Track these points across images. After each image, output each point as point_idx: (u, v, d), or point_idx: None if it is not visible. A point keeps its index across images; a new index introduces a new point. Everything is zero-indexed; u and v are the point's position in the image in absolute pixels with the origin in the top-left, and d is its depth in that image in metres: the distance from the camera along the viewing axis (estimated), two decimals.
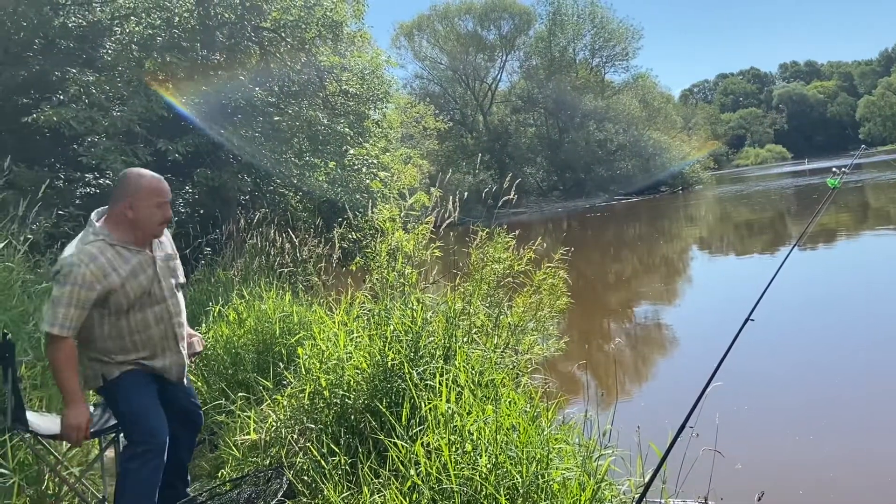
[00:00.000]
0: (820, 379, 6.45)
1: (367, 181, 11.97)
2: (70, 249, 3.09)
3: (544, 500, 2.91)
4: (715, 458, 3.68)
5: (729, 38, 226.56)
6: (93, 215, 3.22)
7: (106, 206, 3.26)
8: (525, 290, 5.29)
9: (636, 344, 9.17)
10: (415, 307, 4.20)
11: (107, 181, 9.57)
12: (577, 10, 52.21)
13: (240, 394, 4.70)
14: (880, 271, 11.64)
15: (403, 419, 3.43)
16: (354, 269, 7.08)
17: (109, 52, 11.11)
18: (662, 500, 3.56)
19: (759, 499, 3.58)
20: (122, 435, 3.44)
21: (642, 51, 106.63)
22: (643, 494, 2.58)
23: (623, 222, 30.61)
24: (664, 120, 52.27)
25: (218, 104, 11.22)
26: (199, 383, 5.04)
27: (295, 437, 3.86)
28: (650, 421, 4.37)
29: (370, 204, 6.93)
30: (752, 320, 3.02)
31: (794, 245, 3.81)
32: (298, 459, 3.64)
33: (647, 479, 3.22)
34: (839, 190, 3.55)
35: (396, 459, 3.16)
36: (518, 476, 2.93)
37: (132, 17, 11.22)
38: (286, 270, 7.43)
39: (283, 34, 12.10)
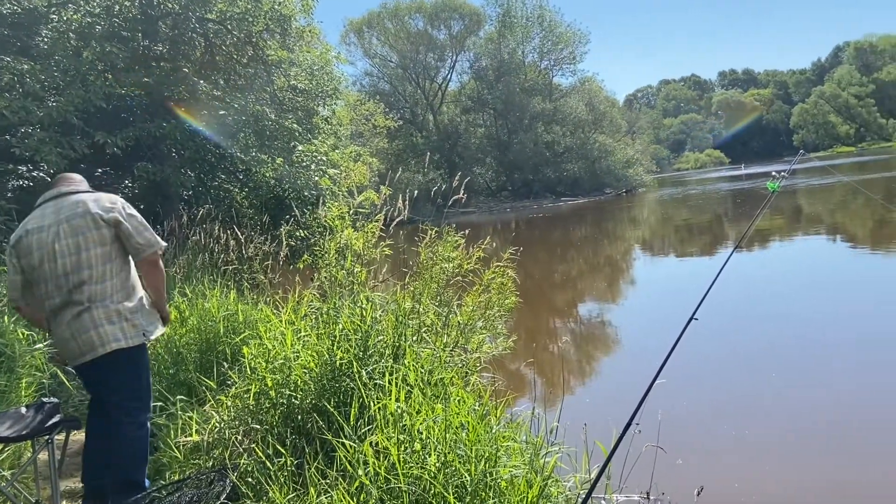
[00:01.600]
0: (758, 376, 6.67)
1: (316, 178, 11.80)
2: (97, 195, 3.49)
3: (492, 498, 2.92)
4: (657, 454, 3.77)
5: (671, 46, 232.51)
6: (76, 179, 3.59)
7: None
8: (474, 289, 5.31)
9: (582, 342, 9.32)
10: (364, 306, 4.16)
11: (41, 174, 9.16)
12: (526, 13, 52.84)
13: (181, 395, 4.58)
14: (815, 273, 12.13)
15: (352, 419, 3.39)
16: (302, 267, 6.98)
17: (46, 40, 10.65)
18: (607, 496, 3.62)
19: (699, 493, 3.68)
20: (55, 436, 3.32)
21: (589, 55, 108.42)
22: (590, 492, 2.62)
23: (569, 223, 31.09)
24: (609, 123, 53.26)
25: (160, 97, 10.90)
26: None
27: (239, 438, 3.78)
28: (596, 418, 4.44)
29: (319, 201, 6.83)
30: (696, 319, 3.10)
31: (736, 247, 3.93)
32: (243, 461, 3.56)
33: (592, 476, 3.28)
34: (778, 193, 3.67)
35: (344, 460, 3.13)
36: (467, 474, 2.93)
37: (70, 5, 10.78)
38: (231, 268, 7.28)
39: (229, 27, 11.82)
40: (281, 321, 4.44)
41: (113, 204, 3.46)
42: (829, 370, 6.54)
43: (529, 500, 2.97)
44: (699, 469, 4.51)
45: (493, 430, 3.32)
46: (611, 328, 10.06)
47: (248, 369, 4.10)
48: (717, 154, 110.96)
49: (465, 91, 56.42)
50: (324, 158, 12.54)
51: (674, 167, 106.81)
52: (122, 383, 3.45)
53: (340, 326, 4.01)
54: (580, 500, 3.34)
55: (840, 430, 5.10)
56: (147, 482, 3.59)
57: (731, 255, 3.68)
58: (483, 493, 2.93)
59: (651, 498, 3.65)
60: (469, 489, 2.90)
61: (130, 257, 3.53)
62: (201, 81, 11.37)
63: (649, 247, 19.98)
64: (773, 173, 3.87)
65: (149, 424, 3.58)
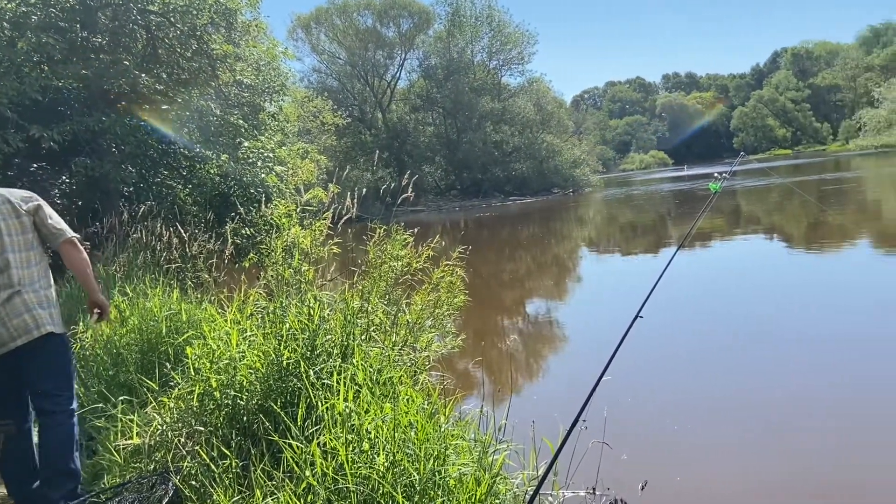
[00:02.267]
0: (701, 373, 6.87)
1: (263, 175, 11.59)
2: (12, 189, 3.55)
3: (441, 497, 2.92)
4: (603, 450, 3.84)
5: (617, 48, 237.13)
6: None
7: None
8: (423, 287, 5.30)
9: (530, 341, 9.42)
10: (312, 305, 4.11)
11: None
12: (475, 13, 53.13)
13: (121, 396, 4.44)
14: (755, 272, 12.56)
15: (299, 419, 3.35)
16: (248, 265, 6.86)
17: None
18: (554, 492, 3.67)
19: (643, 487, 3.77)
20: None
21: (537, 56, 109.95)
22: (537, 489, 2.64)
23: (518, 222, 31.39)
24: (557, 124, 54.03)
25: (99, 90, 10.53)
26: (76, 386, 4.71)
27: (182, 440, 3.69)
28: (543, 415, 4.49)
29: (264, 199, 6.72)
30: (641, 317, 3.17)
31: (679, 246, 4.04)
32: (186, 464, 3.48)
33: (540, 473, 3.31)
34: (720, 193, 3.78)
35: (291, 461, 3.09)
36: (415, 473, 2.93)
37: None
38: (174, 267, 7.09)
39: (172, 19, 11.50)
40: (226, 321, 4.36)
41: (30, 195, 3.57)
42: (772, 367, 6.77)
43: (478, 497, 2.99)
44: (643, 464, 4.61)
45: (442, 429, 3.33)
46: (558, 326, 10.21)
47: (191, 370, 4.01)
48: (661, 155, 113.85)
49: (414, 89, 56.39)
50: (270, 155, 12.34)
51: (619, 168, 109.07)
52: (57, 370, 3.48)
53: (287, 326, 3.96)
54: (528, 496, 3.38)
55: (781, 427, 5.28)
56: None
57: (674, 254, 3.78)
58: (432, 492, 2.93)
59: (597, 493, 3.71)
60: (418, 488, 2.90)
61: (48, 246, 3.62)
62: (143, 75, 11.03)
63: (596, 246, 20.34)
64: (716, 174, 3.99)
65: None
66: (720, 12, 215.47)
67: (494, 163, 50.25)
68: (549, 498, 3.63)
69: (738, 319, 8.85)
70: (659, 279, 3.39)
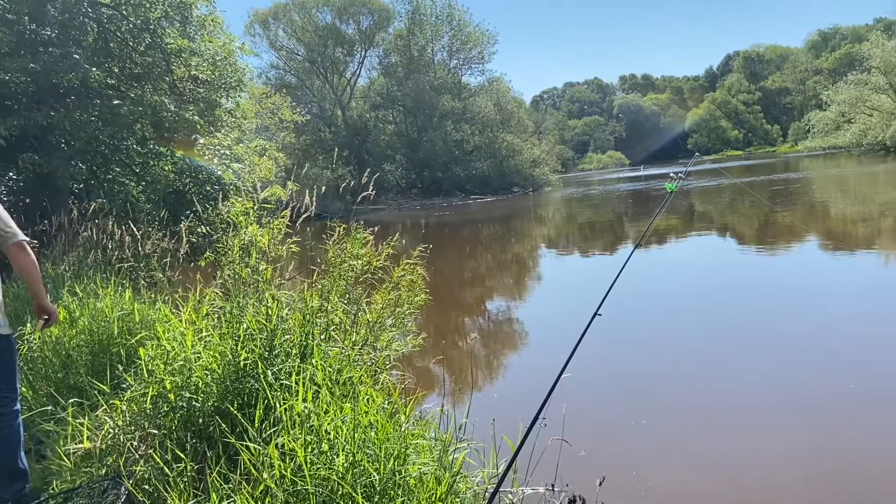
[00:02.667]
0: (658, 369, 6.98)
1: (219, 172, 11.39)
2: None
3: (402, 497, 2.91)
4: (562, 447, 3.88)
5: (576, 49, 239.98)
6: None
7: None
8: (384, 286, 5.27)
9: (491, 339, 9.46)
10: (270, 304, 4.05)
11: None
12: (435, 11, 53.17)
13: (71, 399, 4.31)
14: (710, 270, 12.84)
15: (256, 421, 3.30)
16: (204, 264, 6.72)
17: None
18: (513, 489, 3.68)
19: (601, 483, 3.80)
20: None
21: (497, 55, 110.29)
22: (497, 486, 2.65)
23: (478, 221, 31.50)
24: (517, 123, 54.44)
25: (48, 84, 10.21)
26: (24, 388, 4.56)
27: (135, 444, 3.60)
28: (504, 413, 4.51)
29: (221, 196, 6.59)
30: (600, 315, 3.20)
31: (637, 245, 4.09)
32: (139, 468, 3.40)
33: (500, 471, 3.32)
34: (675, 193, 3.84)
35: (248, 463, 3.03)
36: (375, 474, 2.91)
37: None
38: (126, 266, 6.91)
39: (124, 12, 11.21)
40: (181, 321, 4.26)
41: None
42: (728, 364, 6.92)
43: (438, 496, 2.98)
44: (601, 460, 4.67)
45: (403, 428, 3.31)
46: (518, 324, 10.27)
47: (144, 372, 3.90)
48: (618, 155, 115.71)
49: (374, 87, 56.17)
50: (227, 152, 12.13)
51: (578, 167, 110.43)
52: (3, 371, 3.44)
53: (245, 326, 3.89)
54: (488, 494, 3.39)
55: (737, 422, 5.40)
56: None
57: (632, 252, 3.83)
58: (392, 492, 2.91)
59: (555, 489, 3.74)
60: (378, 488, 2.88)
61: None
62: (94, 69, 10.73)
63: (555, 245, 20.53)
64: (671, 175, 4.06)
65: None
66: (675, 15, 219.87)
67: (455, 161, 50.37)
68: (509, 495, 3.64)
69: (694, 317, 9.03)
70: (617, 277, 3.43)
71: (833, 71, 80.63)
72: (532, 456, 3.60)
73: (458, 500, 3.18)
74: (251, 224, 4.64)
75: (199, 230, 9.34)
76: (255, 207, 4.77)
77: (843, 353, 6.74)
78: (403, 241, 5.70)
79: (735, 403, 5.75)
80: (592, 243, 19.74)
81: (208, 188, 10.93)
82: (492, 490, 2.94)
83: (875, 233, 14.69)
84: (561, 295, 12.28)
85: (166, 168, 11.25)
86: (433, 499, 2.98)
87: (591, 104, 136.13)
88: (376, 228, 5.47)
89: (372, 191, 5.02)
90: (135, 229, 7.00)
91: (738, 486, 4.32)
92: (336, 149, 43.56)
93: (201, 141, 11.82)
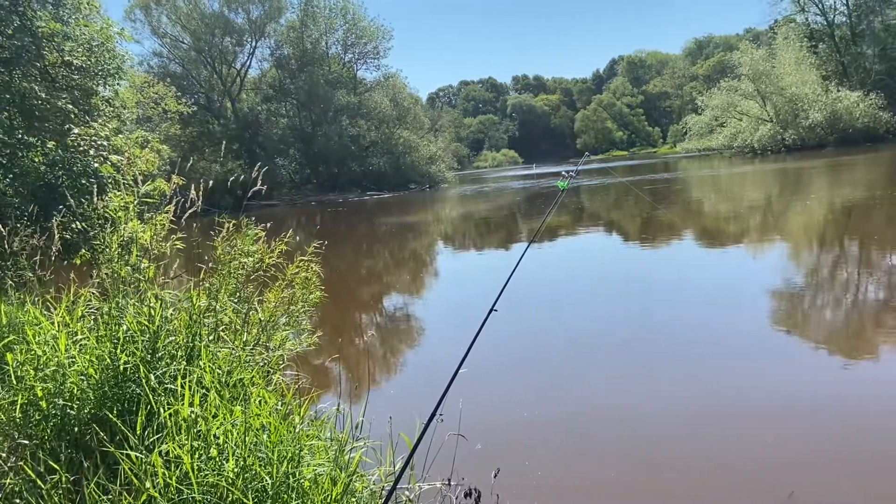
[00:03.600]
0: (551, 363, 7.19)
1: (96, 165, 10.67)
2: None
3: (295, 500, 2.83)
4: (458, 442, 3.91)
5: (470, 48, 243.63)
6: None
7: None
8: (277, 284, 5.12)
9: (388, 336, 9.42)
10: (152, 304, 3.83)
11: None
12: (329, 4, 52.45)
13: None
14: (598, 264, 13.38)
15: (138, 428, 3.11)
16: (80, 262, 6.28)
17: None
18: (410, 486, 3.68)
19: (496, 475, 3.87)
20: None
21: (392, 51, 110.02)
22: (395, 484, 2.63)
23: (375, 217, 31.35)
24: (413, 120, 54.59)
25: None
26: None
27: (4, 455, 3.31)
28: (401, 410, 4.50)
29: (98, 190, 6.16)
30: (496, 311, 3.24)
31: (531, 241, 4.18)
32: (9, 481, 3.14)
33: (397, 468, 3.30)
34: (566, 191, 3.95)
35: (129, 472, 2.85)
36: (268, 477, 2.82)
37: None
38: None
39: None
40: (53, 324, 3.95)
41: None
42: (616, 354, 7.23)
43: (334, 497, 2.93)
44: (497, 452, 4.75)
45: (297, 430, 3.23)
46: (416, 321, 10.29)
47: (12, 378, 3.59)
48: (512, 154, 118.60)
49: (265, 79, 54.66)
50: (105, 143, 11.40)
51: (474, 165, 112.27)
52: None
53: (124, 328, 3.66)
54: (385, 492, 3.36)
55: (627, 410, 5.63)
56: None
57: (526, 249, 3.92)
58: (285, 495, 2.84)
59: (452, 484, 3.77)
60: (270, 493, 2.80)
61: None
62: None
63: (452, 241, 20.75)
64: (563, 173, 4.18)
65: None
66: (565, 18, 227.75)
67: (351, 157, 49.89)
68: (406, 492, 3.63)
69: (586, 310, 9.38)
70: (512, 273, 3.49)
71: (707, 77, 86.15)
72: (429, 452, 3.61)
73: (354, 499, 3.14)
74: (131, 220, 4.37)
75: (74, 226, 8.72)
76: (136, 202, 4.49)
77: (718, 349, 7.21)
78: (298, 238, 5.56)
79: (625, 394, 6.01)
80: (488, 240, 20.11)
81: (84, 181, 10.21)
82: (389, 488, 2.92)
83: (743, 230, 15.84)
84: (458, 291, 12.42)
85: (36, 160, 10.41)
86: (328, 500, 2.92)
87: (486, 103, 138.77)
88: (269, 224, 5.30)
89: (263, 185, 4.85)
90: (0, 226, 6.42)
91: (629, 475, 4.52)
92: (224, 142, 42.01)
93: (76, 131, 11.03)
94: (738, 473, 4.36)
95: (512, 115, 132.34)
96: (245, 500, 2.70)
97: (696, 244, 14.47)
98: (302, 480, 2.94)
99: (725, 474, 4.38)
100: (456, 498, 3.76)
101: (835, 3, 56.52)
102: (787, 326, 7.67)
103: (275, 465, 2.88)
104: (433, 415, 2.76)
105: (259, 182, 4.70)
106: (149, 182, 4.83)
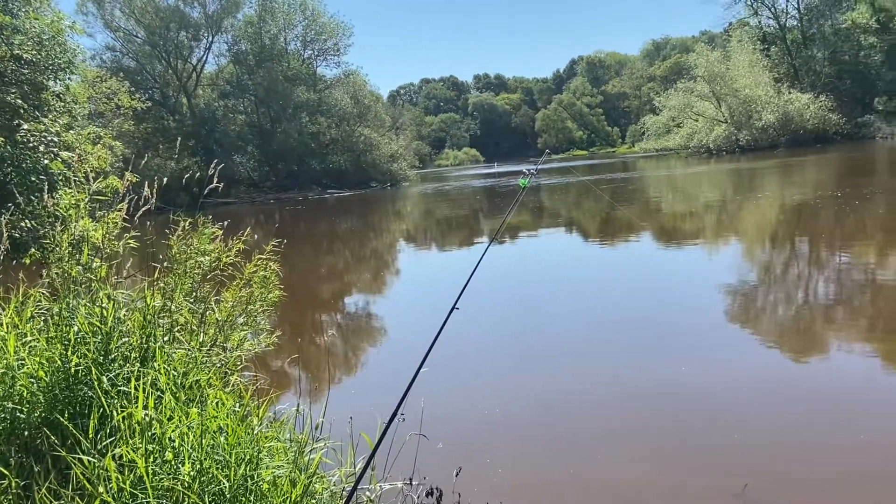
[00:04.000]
0: (514, 360, 7.23)
1: (46, 161, 10.36)
2: None
3: (254, 503, 2.79)
4: (420, 441, 3.91)
5: (432, 46, 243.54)
6: None
7: None
8: (234, 283, 5.04)
9: (349, 335, 9.36)
10: (105, 305, 3.73)
11: None
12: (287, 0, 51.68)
13: None
14: (559, 262, 13.51)
15: (91, 431, 3.03)
16: (29, 262, 6.09)
17: None
18: (371, 486, 3.66)
19: (457, 473, 3.88)
20: None
21: (353, 48, 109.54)
22: (355, 485, 2.61)
23: (336, 215, 31.12)
24: (374, 118, 54.27)
25: None
26: None
27: None
28: (362, 409, 4.48)
29: (48, 187, 5.98)
30: (458, 308, 3.25)
31: (492, 239, 4.21)
32: None
33: (358, 469, 3.28)
34: (528, 189, 3.98)
35: (82, 477, 2.78)
36: (225, 480, 2.78)
37: None
38: None
39: None
40: (1, 325, 3.82)
41: None
42: (577, 351, 7.31)
43: (293, 499, 2.90)
44: (458, 451, 4.75)
45: (255, 432, 3.18)
46: (377, 320, 10.25)
47: None
48: (473, 152, 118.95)
49: (223, 75, 53.73)
50: (55, 139, 11.07)
51: (435, 163, 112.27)
52: None
53: (76, 329, 3.56)
54: (346, 493, 3.34)
55: (588, 411, 5.69)
56: None
57: (488, 247, 3.93)
58: (243, 498, 2.80)
59: (413, 483, 3.76)
60: (228, 496, 2.75)
61: None
62: None
63: (413, 240, 20.72)
64: (525, 171, 4.20)
65: None
66: (526, 17, 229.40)
67: (311, 154, 49.38)
68: (367, 493, 3.62)
69: (547, 308, 9.46)
70: (474, 271, 3.50)
71: (665, 78, 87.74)
72: (390, 451, 3.60)
73: (314, 501, 3.11)
74: (83, 218, 4.24)
75: (23, 224, 8.45)
76: (88, 200, 4.36)
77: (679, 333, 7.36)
78: (256, 236, 5.48)
79: (584, 390, 6.08)
80: (450, 238, 20.14)
81: (33, 178, 9.91)
82: (350, 488, 2.90)
83: (698, 229, 16.18)
84: (420, 290, 12.41)
85: None
86: (287, 502, 2.89)
87: (448, 101, 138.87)
88: (226, 222, 5.20)
89: (220, 183, 4.76)
90: None
91: (587, 470, 4.58)
92: (180, 138, 41.19)
93: (25, 127, 10.69)
94: (693, 465, 4.45)
95: (473, 114, 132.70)
96: None
97: (653, 242, 14.73)
98: (260, 483, 2.91)
99: (681, 467, 4.47)
100: (417, 497, 3.76)
101: (787, 6, 58.26)
102: (738, 320, 7.87)
103: (232, 468, 2.83)
104: (394, 414, 2.75)
105: (216, 179, 4.61)
106: (101, 179, 4.70)
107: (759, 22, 59.22)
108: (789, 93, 49.92)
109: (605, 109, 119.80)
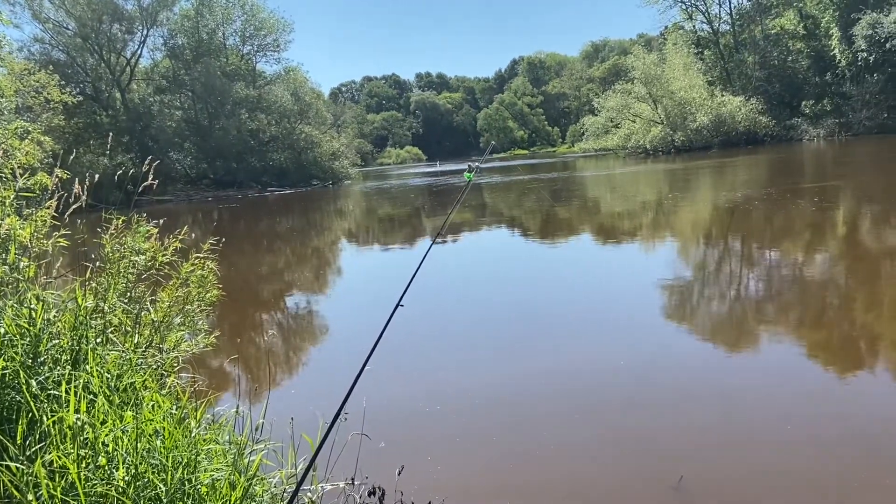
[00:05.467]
0: (456, 358, 7.27)
1: None
2: None
3: None
4: (362, 441, 3.90)
5: (373, 43, 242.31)
6: None
7: None
8: (171, 283, 4.92)
9: (290, 335, 9.24)
10: (33, 306, 3.59)
11: None
12: None
13: None
14: (502, 259, 13.65)
15: (19, 437, 2.91)
16: None
17: None
18: (313, 487, 3.64)
19: (399, 472, 3.89)
20: None
21: (294, 45, 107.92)
22: (298, 486, 2.60)
23: (276, 214, 30.64)
24: (315, 115, 53.59)
25: None
26: None
27: None
28: (304, 410, 4.44)
29: None
30: (402, 306, 3.26)
31: (436, 237, 4.23)
32: None
33: (299, 470, 3.26)
34: (471, 187, 4.02)
35: (9, 484, 2.68)
36: (161, 485, 2.72)
37: None
38: None
39: None
40: None
41: None
42: (521, 348, 7.40)
43: (232, 502, 2.86)
44: (400, 450, 4.77)
45: (193, 434, 3.12)
46: (319, 319, 10.15)
47: None
48: (415, 151, 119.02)
49: (158, 70, 52.16)
50: None
51: (377, 161, 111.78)
52: None
53: (2, 331, 3.41)
54: (287, 495, 3.31)
55: (531, 410, 5.76)
56: None
57: (431, 244, 3.95)
58: (180, 503, 2.74)
59: (356, 483, 3.75)
60: (164, 500, 2.69)
61: None
62: None
63: (356, 238, 20.59)
64: (469, 165, 4.24)
65: None
66: (468, 17, 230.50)
67: (250, 152, 48.44)
68: (309, 493, 3.59)
69: (490, 304, 9.55)
70: (418, 268, 3.51)
71: (603, 80, 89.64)
72: (332, 452, 3.58)
73: (254, 503, 3.07)
74: (9, 215, 4.07)
75: None
76: (14, 197, 4.18)
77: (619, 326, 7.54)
78: (193, 235, 5.36)
79: (524, 384, 6.17)
80: (393, 236, 20.10)
81: None
82: (291, 490, 2.88)
83: (637, 226, 16.62)
84: (363, 287, 12.35)
85: None
86: None
87: (390, 99, 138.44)
88: (162, 221, 5.07)
89: (155, 180, 4.63)
90: None
91: (526, 465, 4.65)
92: (113, 134, 39.80)
93: None
94: (629, 462, 4.58)
95: (416, 113, 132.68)
96: None
97: (591, 239, 15.05)
98: (198, 486, 2.85)
99: (616, 462, 4.60)
100: (360, 497, 3.75)
101: (720, 12, 60.40)
102: (672, 313, 8.13)
103: (169, 472, 2.78)
104: (337, 414, 2.75)
105: (150, 176, 4.48)
106: (26, 174, 4.51)
107: (694, 26, 61.24)
108: (722, 95, 51.78)
109: (545, 109, 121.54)
